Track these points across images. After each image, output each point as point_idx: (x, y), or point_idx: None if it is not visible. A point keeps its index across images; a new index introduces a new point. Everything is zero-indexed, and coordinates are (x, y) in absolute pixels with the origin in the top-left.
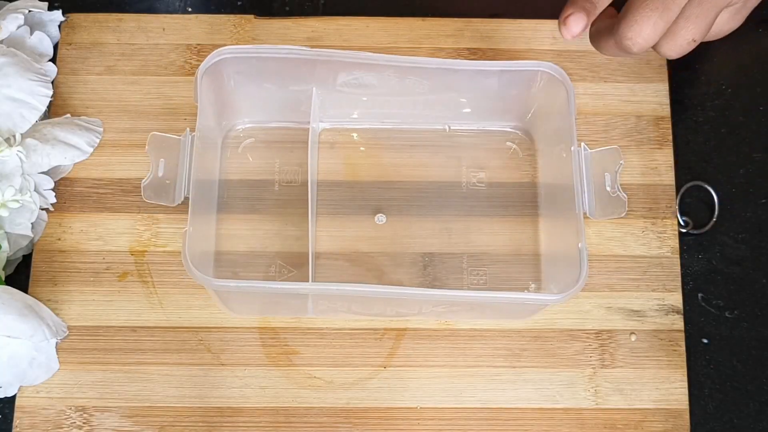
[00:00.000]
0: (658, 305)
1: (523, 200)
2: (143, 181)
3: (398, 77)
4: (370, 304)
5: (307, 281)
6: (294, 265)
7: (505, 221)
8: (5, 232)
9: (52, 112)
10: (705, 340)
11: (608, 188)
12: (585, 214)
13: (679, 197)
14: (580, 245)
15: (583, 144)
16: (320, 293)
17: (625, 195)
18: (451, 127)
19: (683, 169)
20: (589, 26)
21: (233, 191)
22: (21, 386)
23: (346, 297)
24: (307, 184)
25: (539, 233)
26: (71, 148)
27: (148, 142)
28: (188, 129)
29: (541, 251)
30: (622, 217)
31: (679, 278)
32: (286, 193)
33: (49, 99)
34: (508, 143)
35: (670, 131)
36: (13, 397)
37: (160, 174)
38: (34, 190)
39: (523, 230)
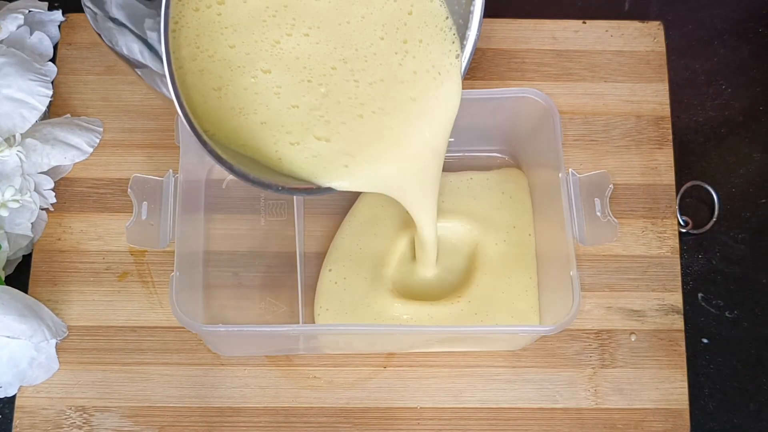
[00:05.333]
0: (658, 305)
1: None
2: (126, 224)
3: None
4: (359, 340)
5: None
6: (284, 300)
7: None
8: (5, 232)
9: (52, 112)
10: (705, 340)
11: (598, 213)
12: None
13: (679, 197)
14: (572, 273)
15: (571, 170)
16: (311, 333)
17: (615, 220)
18: None
19: (683, 169)
20: None
21: (218, 229)
22: (21, 386)
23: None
24: (294, 218)
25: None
26: (71, 148)
27: (129, 185)
28: (171, 170)
29: (539, 276)
30: (621, 218)
31: (679, 278)
32: (273, 230)
33: (49, 99)
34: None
35: (670, 131)
36: (13, 397)
37: (144, 217)
38: (34, 190)
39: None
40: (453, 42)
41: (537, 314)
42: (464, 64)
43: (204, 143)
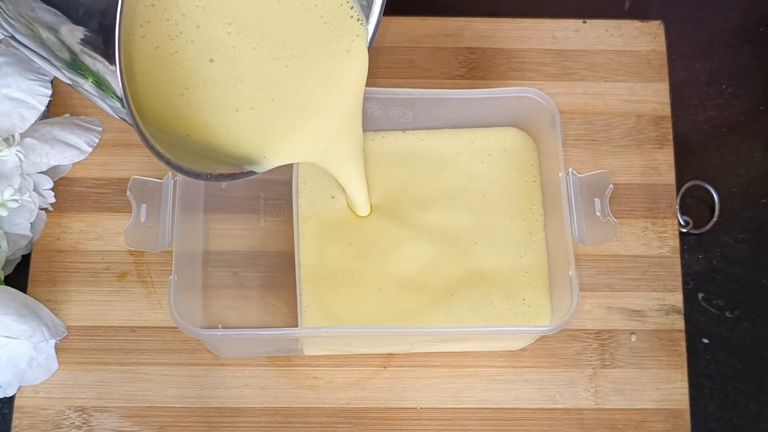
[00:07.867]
0: (658, 305)
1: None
2: (126, 226)
3: (381, 109)
4: (362, 340)
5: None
6: (284, 301)
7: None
8: (4, 232)
9: (51, 111)
10: (705, 340)
11: (598, 213)
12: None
13: (679, 197)
14: (571, 273)
15: (571, 170)
16: (309, 335)
17: (615, 220)
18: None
19: (683, 168)
20: None
21: (218, 229)
22: (20, 386)
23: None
24: (293, 218)
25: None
26: (70, 148)
27: (128, 187)
28: (170, 173)
29: (547, 272)
30: (622, 218)
31: (680, 278)
32: (272, 230)
33: (49, 98)
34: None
35: (671, 131)
36: (13, 398)
37: (143, 220)
38: (33, 190)
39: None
40: (359, 19)
41: (549, 313)
42: (369, 36)
43: (143, 136)
